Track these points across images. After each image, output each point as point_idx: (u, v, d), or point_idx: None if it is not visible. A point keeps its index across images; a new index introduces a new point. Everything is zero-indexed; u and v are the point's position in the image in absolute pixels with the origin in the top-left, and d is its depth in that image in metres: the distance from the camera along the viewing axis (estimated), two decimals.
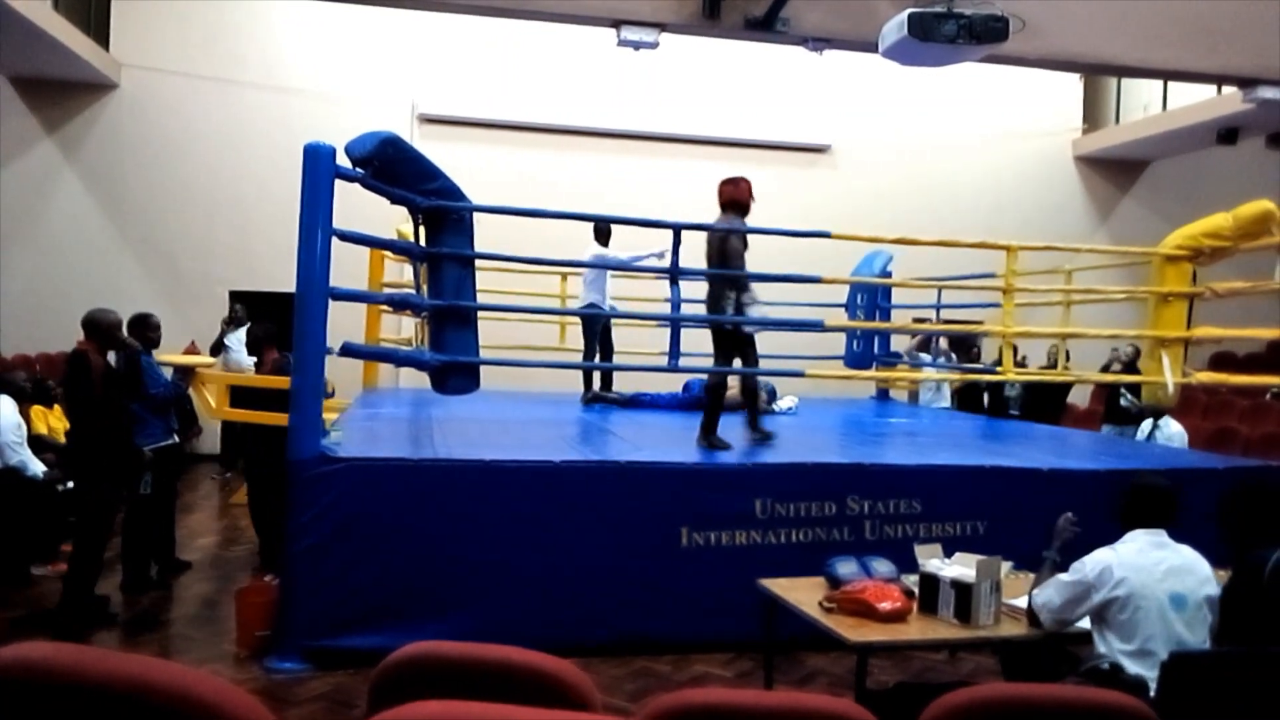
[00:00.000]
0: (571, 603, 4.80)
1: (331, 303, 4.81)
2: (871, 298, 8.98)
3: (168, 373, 5.91)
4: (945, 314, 9.33)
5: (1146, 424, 7.49)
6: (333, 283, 4.79)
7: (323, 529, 4.57)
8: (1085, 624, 3.39)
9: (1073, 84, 12.74)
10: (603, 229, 7.97)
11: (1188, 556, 3.31)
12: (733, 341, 5.96)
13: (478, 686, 1.83)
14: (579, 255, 7.52)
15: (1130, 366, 8.17)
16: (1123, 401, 7.27)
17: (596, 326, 7.87)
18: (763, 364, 7.96)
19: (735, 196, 5.97)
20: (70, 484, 6.49)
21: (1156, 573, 3.22)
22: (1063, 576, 3.38)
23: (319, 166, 4.74)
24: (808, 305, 8.14)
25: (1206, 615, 3.25)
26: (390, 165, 5.14)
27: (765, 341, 8.49)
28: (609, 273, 7.76)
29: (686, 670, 4.70)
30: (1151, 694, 2.97)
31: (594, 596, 4.84)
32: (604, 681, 4.32)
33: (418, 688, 1.80)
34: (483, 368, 5.64)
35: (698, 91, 11.70)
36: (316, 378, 4.78)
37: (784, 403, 8.18)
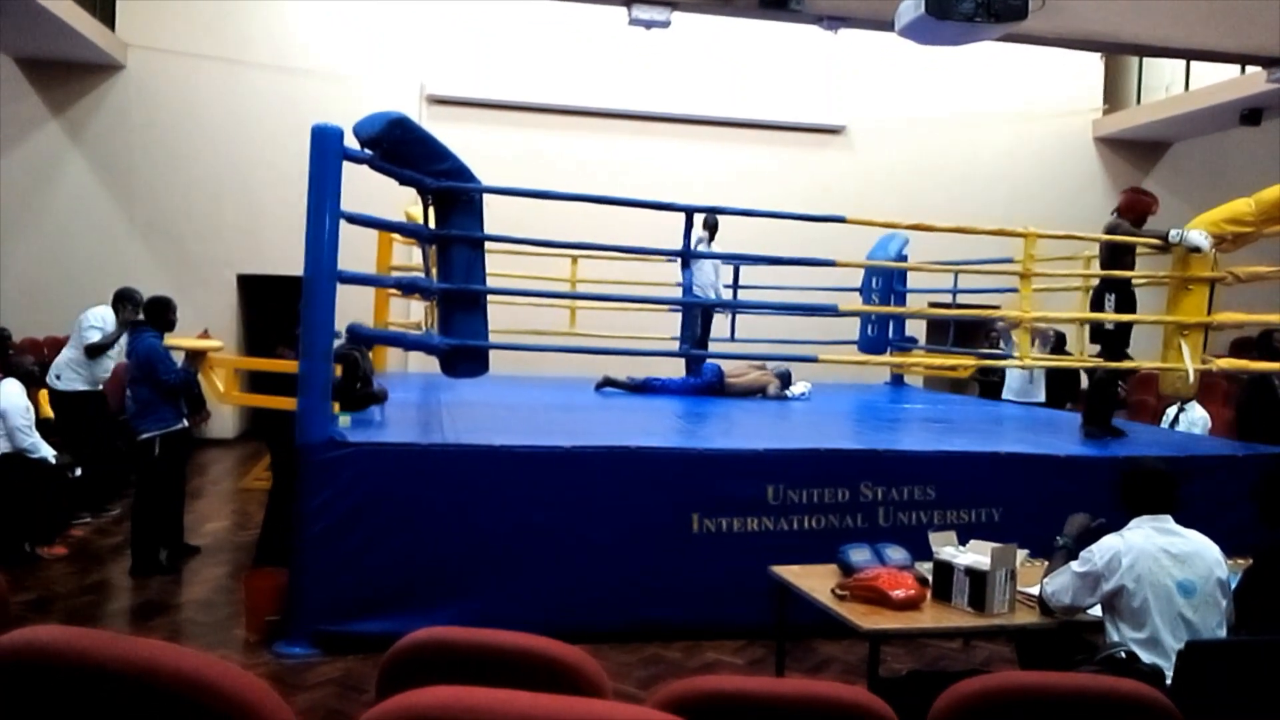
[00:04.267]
0: (582, 589, 4.77)
1: (340, 286, 4.77)
2: (887, 282, 8.89)
3: (179, 357, 5.89)
4: (961, 298, 9.22)
5: (1171, 409, 7.39)
6: (341, 266, 4.75)
7: (332, 514, 4.55)
8: (1097, 611, 3.36)
9: (1093, 64, 12.56)
10: (710, 221, 8.09)
11: (1196, 542, 3.28)
12: (1103, 337, 6.32)
13: (487, 672, 1.80)
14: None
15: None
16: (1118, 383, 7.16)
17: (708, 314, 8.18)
18: (776, 349, 7.95)
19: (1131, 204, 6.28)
20: (79, 470, 6.51)
21: (1164, 560, 3.20)
22: (1073, 565, 3.36)
23: (327, 148, 4.69)
24: (822, 289, 8.06)
25: (1219, 600, 3.23)
26: (399, 146, 5.08)
27: (779, 326, 8.48)
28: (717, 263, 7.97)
29: (698, 657, 4.67)
30: (1167, 682, 2.94)
31: (605, 582, 4.80)
32: (614, 668, 4.29)
33: (427, 673, 1.79)
34: (492, 352, 5.60)
35: (710, 72, 11.58)
36: (325, 362, 4.75)
37: (797, 388, 8.12)
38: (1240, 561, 3.82)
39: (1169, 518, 3.32)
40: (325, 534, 4.53)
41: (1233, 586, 3.39)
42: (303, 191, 4.70)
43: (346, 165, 4.75)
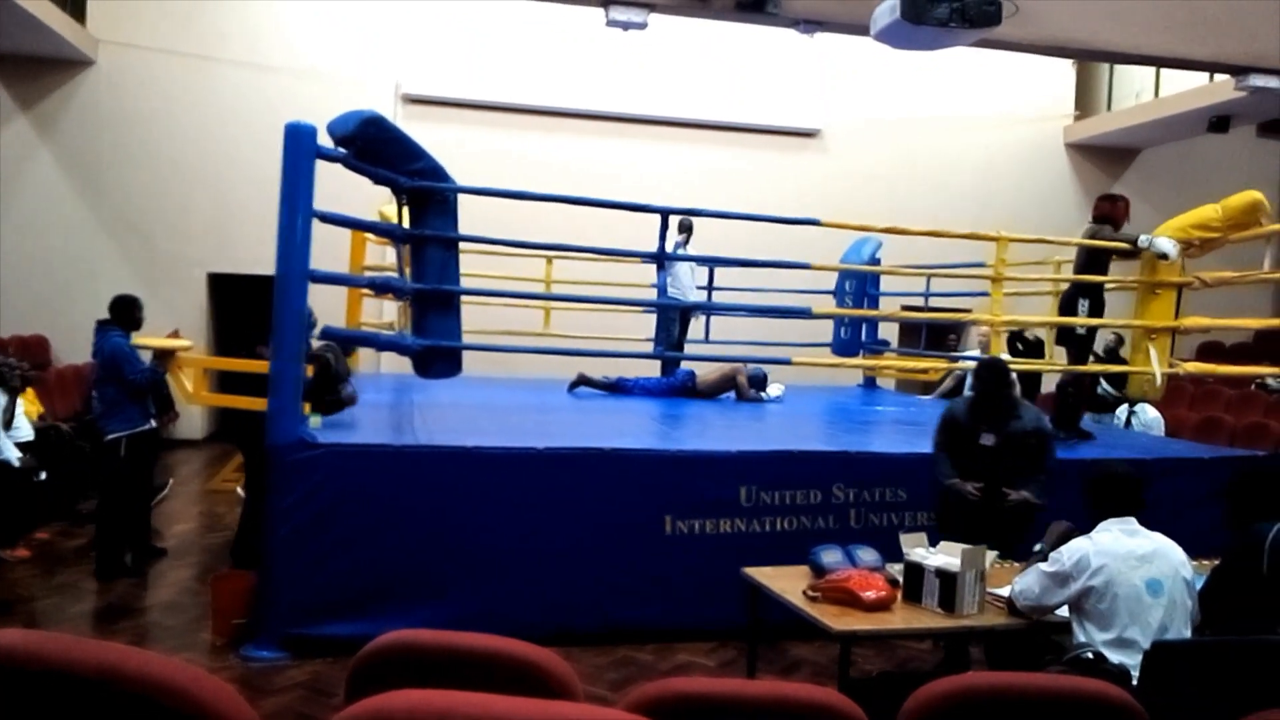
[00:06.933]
0: (554, 591, 4.76)
1: (311, 286, 4.72)
2: (860, 285, 8.94)
3: (146, 357, 5.81)
4: (934, 302, 9.29)
5: (1123, 410, 7.47)
6: (313, 265, 4.71)
7: (302, 515, 4.50)
8: (1064, 612, 3.40)
9: (1065, 70, 12.68)
10: (686, 223, 8.07)
11: (1160, 543, 3.34)
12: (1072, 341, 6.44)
13: (458, 675, 1.80)
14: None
15: (1111, 355, 8.13)
16: (1099, 389, 7.25)
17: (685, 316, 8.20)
18: (750, 351, 7.97)
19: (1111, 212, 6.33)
20: (44, 474, 6.40)
21: (1132, 560, 3.25)
22: (1041, 565, 3.41)
23: (300, 146, 4.65)
24: (796, 292, 8.08)
25: (1185, 600, 3.28)
26: (373, 145, 5.05)
27: (753, 328, 8.50)
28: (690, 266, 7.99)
29: (669, 659, 4.66)
30: (1133, 682, 2.97)
31: (577, 584, 4.79)
32: (586, 670, 4.28)
33: (397, 676, 1.78)
34: (466, 352, 5.57)
35: (687, 74, 11.59)
36: (296, 362, 4.70)
37: (771, 390, 8.14)
38: (1206, 562, 3.87)
39: (1134, 520, 3.37)
40: (294, 536, 4.49)
41: (1199, 587, 3.44)
42: (275, 190, 4.65)
43: (320, 164, 4.71)
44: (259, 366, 5.04)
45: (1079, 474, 3.74)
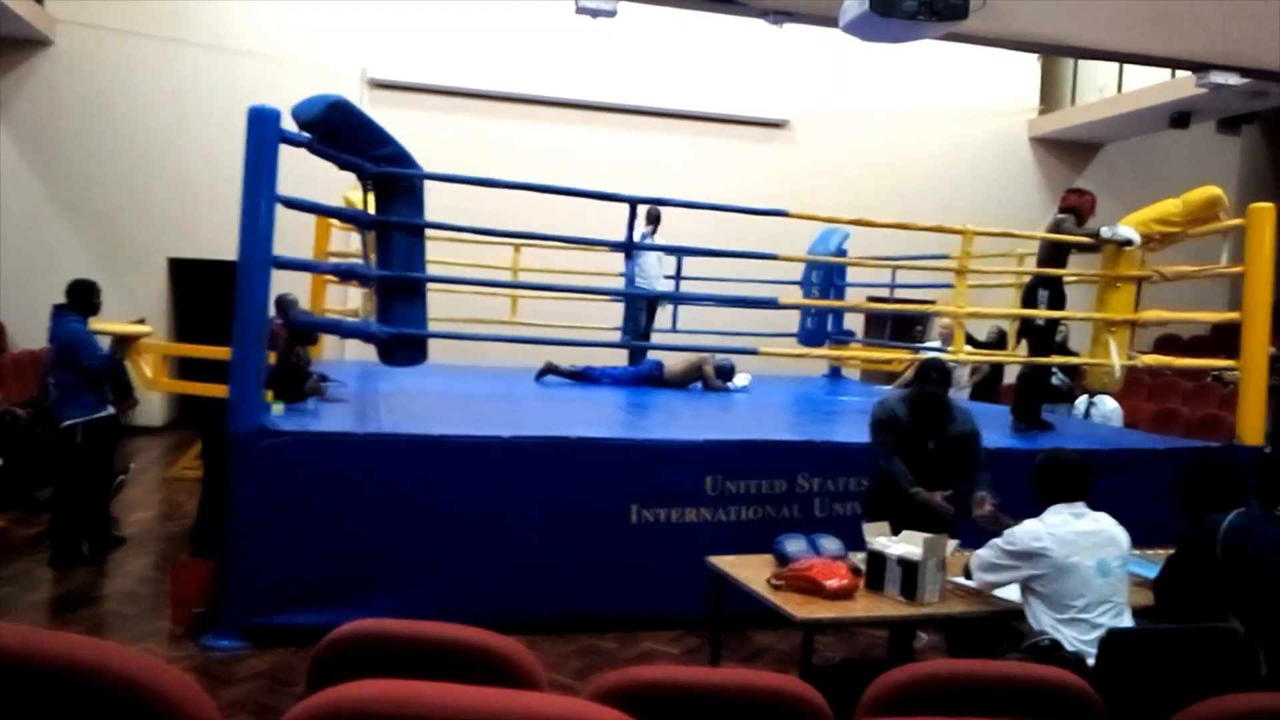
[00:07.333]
0: (519, 580, 4.75)
1: (275, 272, 4.66)
2: (826, 276, 8.98)
3: (105, 342, 5.71)
4: (900, 293, 9.36)
5: (1082, 401, 7.58)
6: (277, 251, 4.64)
7: (264, 504, 4.45)
8: (1013, 594, 3.49)
9: (1030, 65, 12.80)
10: (654, 213, 8.04)
11: (1107, 525, 3.45)
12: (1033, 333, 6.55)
13: (421, 665, 1.79)
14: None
15: (1000, 343, 8.16)
16: (1054, 380, 7.35)
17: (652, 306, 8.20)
18: (717, 341, 7.99)
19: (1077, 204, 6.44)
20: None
21: (1082, 543, 3.35)
22: (996, 542, 3.50)
23: (264, 130, 4.58)
24: (764, 282, 8.11)
25: (1128, 582, 3.43)
26: (338, 130, 5.00)
27: (721, 318, 8.51)
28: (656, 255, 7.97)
29: (633, 647, 4.68)
30: (1090, 664, 3.04)
31: (542, 573, 4.79)
32: (550, 659, 4.28)
33: (359, 666, 1.77)
34: (432, 340, 5.54)
35: (656, 63, 11.56)
36: (257, 348, 4.64)
37: (738, 380, 8.17)
38: (1162, 552, 3.94)
39: (1082, 504, 3.46)
40: (256, 524, 4.44)
41: (1154, 576, 3.52)
42: (237, 174, 4.59)
43: (285, 149, 4.65)
44: (219, 353, 4.97)
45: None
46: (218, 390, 4.81)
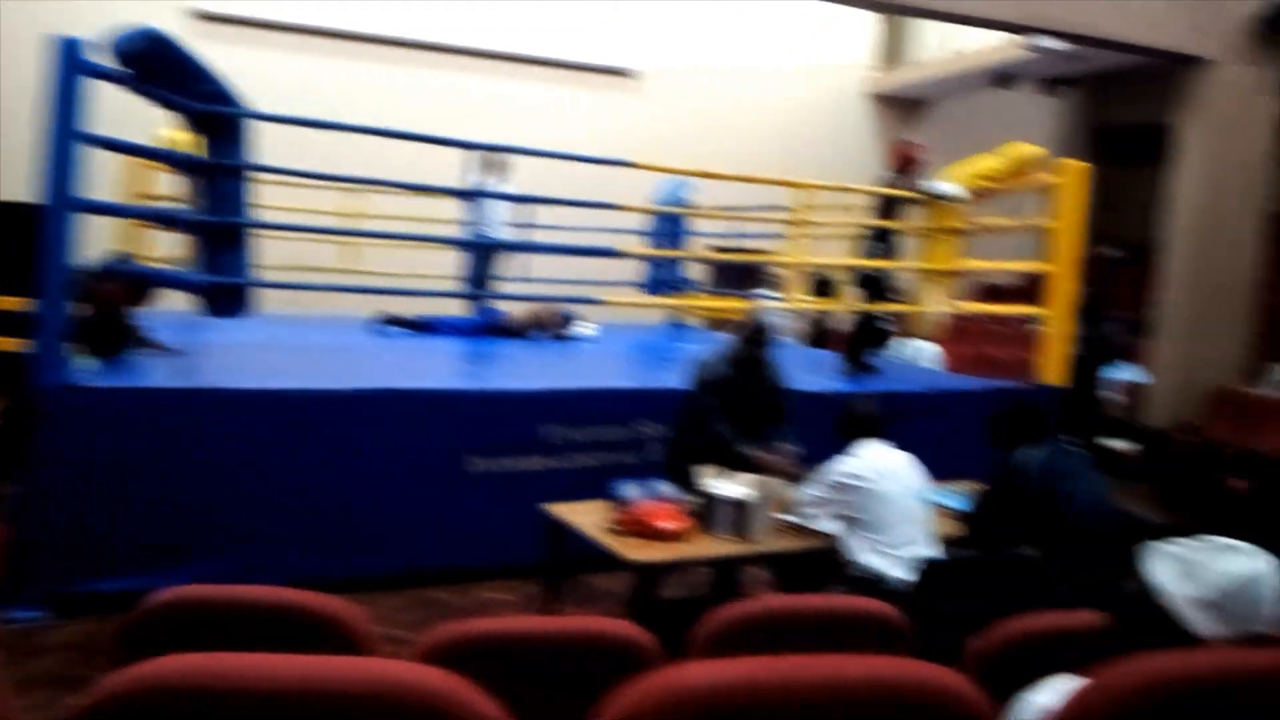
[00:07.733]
0: (354, 535, 4.64)
1: (84, 218, 4.32)
2: (672, 226, 9.07)
3: None
4: (743, 244, 9.55)
5: (905, 346, 8.00)
6: (86, 194, 4.30)
7: (69, 464, 4.16)
8: (831, 526, 3.68)
9: (868, 23, 13.16)
10: (496, 160, 7.65)
11: (908, 458, 3.77)
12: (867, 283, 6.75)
13: (239, 632, 1.74)
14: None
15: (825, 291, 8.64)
16: (877, 324, 7.72)
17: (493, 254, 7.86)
18: (563, 290, 7.95)
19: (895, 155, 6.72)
20: None
21: (895, 472, 3.66)
22: (818, 478, 3.75)
23: (66, 61, 4.21)
24: (613, 232, 8.08)
25: (934, 512, 3.82)
26: (155, 64, 4.66)
27: (569, 267, 8.46)
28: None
29: (470, 596, 4.66)
30: (906, 589, 3.25)
31: (374, 528, 4.69)
32: (383, 612, 4.21)
33: (173, 636, 1.71)
34: (263, 290, 5.29)
35: (501, 5, 11.27)
36: (61, 299, 4.31)
37: (584, 329, 8.18)
38: (969, 484, 4.23)
39: (880, 442, 3.76)
40: (61, 485, 4.14)
41: (959, 507, 3.80)
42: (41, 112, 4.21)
43: (107, 87, 4.28)
44: (16, 304, 4.60)
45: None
46: (20, 344, 4.44)
